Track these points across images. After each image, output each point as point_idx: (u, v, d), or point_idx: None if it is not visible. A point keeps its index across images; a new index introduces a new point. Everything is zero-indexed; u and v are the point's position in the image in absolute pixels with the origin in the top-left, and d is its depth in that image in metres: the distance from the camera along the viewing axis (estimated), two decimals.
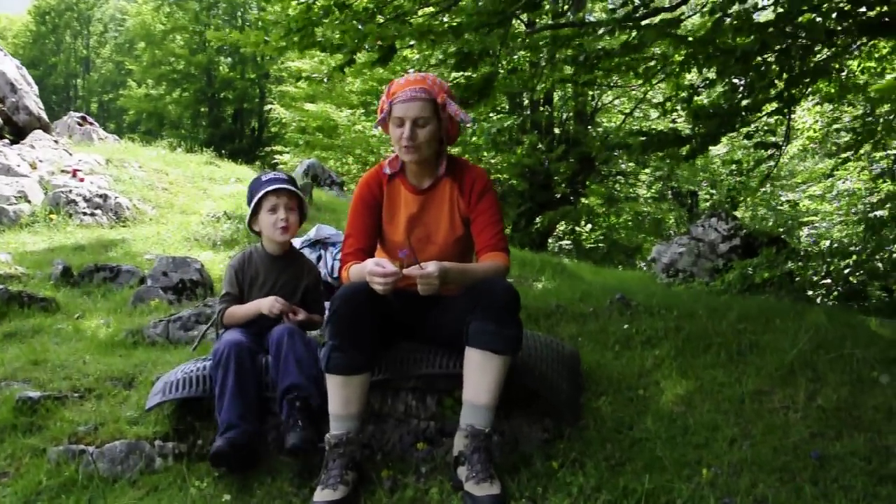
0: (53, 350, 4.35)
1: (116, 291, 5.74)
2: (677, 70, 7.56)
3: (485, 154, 16.23)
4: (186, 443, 3.36)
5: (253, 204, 3.60)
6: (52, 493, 3.08)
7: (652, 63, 7.89)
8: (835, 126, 11.54)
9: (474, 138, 14.86)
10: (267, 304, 3.51)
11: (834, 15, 5.03)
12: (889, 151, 11.58)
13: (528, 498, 2.91)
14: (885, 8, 4.50)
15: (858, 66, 9.08)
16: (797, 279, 9.05)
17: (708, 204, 23.29)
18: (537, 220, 15.82)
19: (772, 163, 10.69)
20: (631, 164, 18.25)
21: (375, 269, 2.98)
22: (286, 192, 3.58)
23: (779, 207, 16.99)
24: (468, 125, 3.25)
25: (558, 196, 17.22)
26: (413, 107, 3.17)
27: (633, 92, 17.45)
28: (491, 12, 5.31)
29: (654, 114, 18.86)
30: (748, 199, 12.35)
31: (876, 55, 9.03)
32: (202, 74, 37.85)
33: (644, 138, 7.32)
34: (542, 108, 17.24)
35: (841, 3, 4.62)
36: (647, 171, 19.54)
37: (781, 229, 12.76)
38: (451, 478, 3.09)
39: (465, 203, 3.35)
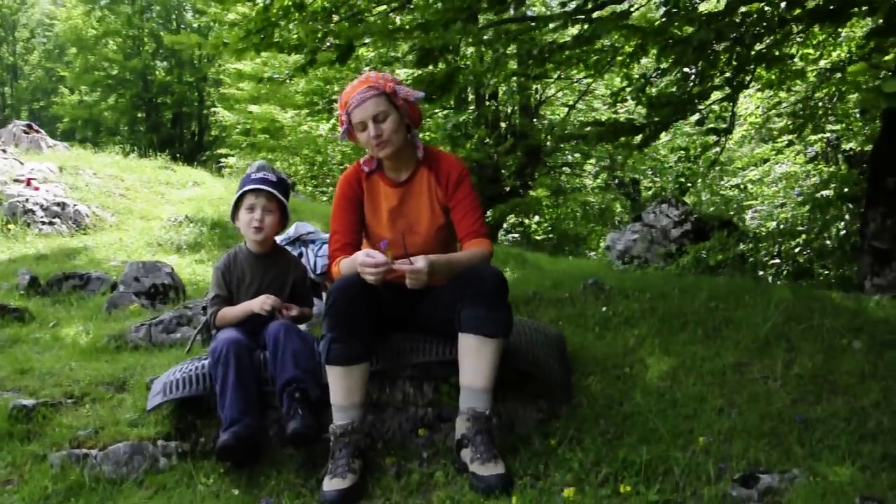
0: (37, 358, 4.33)
1: (88, 299, 5.71)
2: (628, 60, 7.78)
3: (441, 149, 16.34)
4: (189, 441, 3.40)
5: (234, 200, 3.66)
6: (60, 497, 3.10)
7: (602, 55, 8.09)
8: (773, 111, 11.90)
9: (429, 134, 14.93)
10: (258, 304, 3.56)
11: (783, 4, 5.25)
12: (824, 135, 12.01)
13: (532, 475, 3.02)
14: None
15: (797, 52, 9.41)
16: (749, 260, 9.36)
17: (650, 192, 23.78)
18: (488, 213, 15.96)
19: (717, 149, 11.01)
20: (577, 155, 18.52)
21: (366, 260, 3.07)
22: (265, 192, 3.62)
23: (721, 192, 17.43)
24: (421, 99, 3.33)
25: (507, 189, 17.40)
26: (368, 106, 3.25)
27: (576, 84, 17.72)
28: (458, 8, 5.41)
29: (597, 104, 19.19)
30: (699, 184, 12.71)
31: (813, 41, 9.39)
32: (138, 79, 37.09)
33: (601, 128, 7.49)
34: (487, 103, 17.38)
35: None
36: (592, 161, 19.85)
37: (732, 213, 13.12)
38: (453, 461, 3.20)
39: (442, 192, 3.44)
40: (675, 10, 6.36)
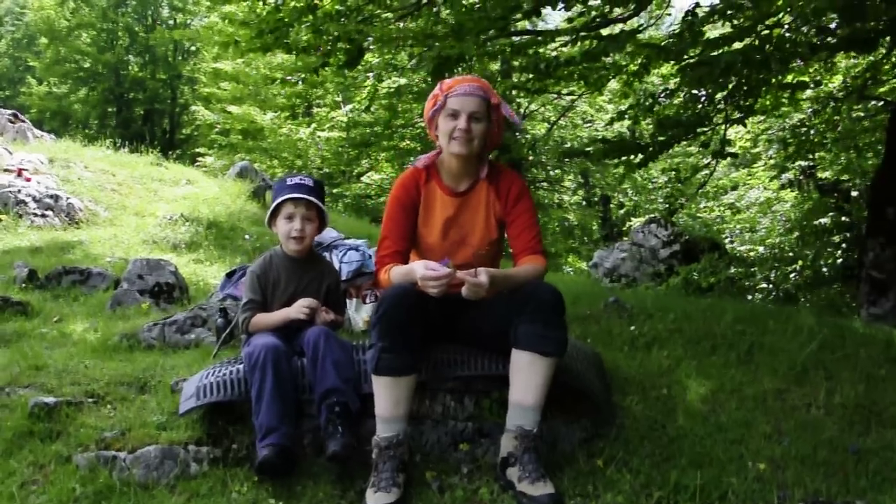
0: (48, 355, 4.17)
1: (89, 295, 5.54)
2: (631, 78, 7.81)
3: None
4: (221, 447, 3.28)
5: (272, 208, 3.55)
6: (90, 500, 2.97)
7: (605, 72, 8.12)
8: (762, 137, 12.04)
9: (410, 143, 14.88)
10: (296, 309, 3.46)
11: (807, 30, 5.28)
12: (801, 162, 12.17)
13: (581, 496, 2.97)
14: (859, 25, 4.77)
15: (793, 79, 9.52)
16: (737, 283, 9.43)
17: (623, 211, 23.97)
18: None
19: (707, 171, 11.10)
20: (557, 171, 18.60)
21: (429, 273, 3.00)
22: (304, 201, 3.52)
23: (698, 215, 17.60)
24: (520, 128, 3.30)
25: None
26: (470, 101, 3.24)
27: (557, 100, 17.81)
28: (494, 17, 5.38)
29: (577, 121, 19.33)
30: (691, 205, 12.85)
31: (809, 69, 9.51)
32: (110, 73, 36.51)
33: (606, 145, 7.50)
34: None
35: (821, 20, 4.87)
36: (570, 177, 19.97)
37: (724, 236, 13.24)
38: (496, 478, 3.12)
39: (501, 206, 3.39)
40: (690, 31, 6.37)
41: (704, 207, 15.28)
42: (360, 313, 4.25)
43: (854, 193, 12.09)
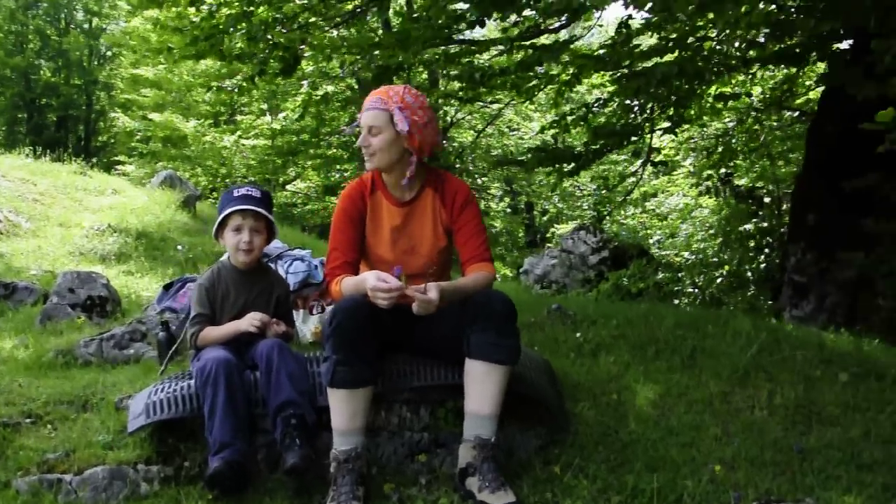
0: None
1: (15, 309, 5.33)
2: (563, 88, 7.94)
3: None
4: (172, 465, 3.20)
5: (219, 220, 3.49)
6: None
7: (537, 81, 8.24)
8: (683, 146, 12.37)
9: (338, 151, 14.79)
10: (247, 322, 3.40)
11: (739, 44, 5.46)
12: (719, 170, 12.57)
13: (540, 503, 2.98)
14: (795, 39, 4.96)
15: (715, 90, 9.83)
16: (664, 288, 9.65)
17: (545, 218, 24.29)
18: None
19: (633, 178, 11.35)
20: (484, 178, 18.74)
21: (379, 285, 2.99)
22: (252, 212, 3.47)
23: (621, 221, 17.96)
24: (403, 133, 3.22)
25: None
26: (367, 115, 3.25)
27: (485, 109, 17.97)
28: (438, 27, 5.40)
29: (503, 129, 19.54)
30: (618, 212, 13.12)
31: (732, 81, 9.84)
32: (20, 78, 35.19)
33: (542, 154, 7.60)
34: None
35: (750, 34, 5.04)
36: (497, 185, 20.14)
37: (651, 241, 13.55)
38: (455, 488, 3.12)
39: (447, 214, 3.39)
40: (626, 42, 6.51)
41: (629, 215, 15.63)
42: (307, 324, 4.19)
43: (766, 200, 12.60)
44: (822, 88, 9.62)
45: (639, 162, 9.57)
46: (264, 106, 18.72)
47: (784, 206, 9.47)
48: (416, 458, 3.31)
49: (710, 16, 5.71)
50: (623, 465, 3.18)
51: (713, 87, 9.91)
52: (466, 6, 5.57)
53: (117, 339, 4.43)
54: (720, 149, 10.00)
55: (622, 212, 14.45)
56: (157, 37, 6.85)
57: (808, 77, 10.06)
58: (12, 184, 8.10)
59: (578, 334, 4.49)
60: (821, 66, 8.86)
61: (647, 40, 7.50)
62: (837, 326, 5.86)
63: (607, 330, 4.61)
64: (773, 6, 4.48)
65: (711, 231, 10.93)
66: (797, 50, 5.06)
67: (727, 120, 10.77)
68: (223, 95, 15.90)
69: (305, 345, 4.09)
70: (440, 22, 5.50)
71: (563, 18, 7.53)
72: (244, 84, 6.83)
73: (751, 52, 5.42)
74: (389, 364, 3.31)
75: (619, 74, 6.14)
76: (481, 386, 3.09)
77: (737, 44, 5.43)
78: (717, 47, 5.74)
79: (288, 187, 19.78)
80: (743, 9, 4.02)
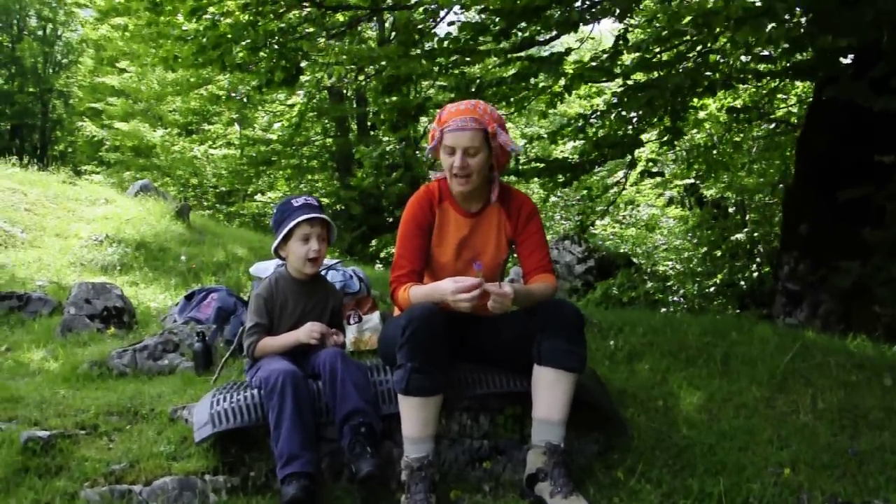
0: (14, 386, 3.92)
1: (32, 321, 5.24)
2: (555, 99, 8.06)
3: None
4: (238, 475, 3.19)
5: (285, 231, 3.46)
6: None
7: (528, 92, 8.34)
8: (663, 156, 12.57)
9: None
10: (306, 333, 3.40)
11: (745, 58, 5.60)
12: (686, 181, 12.82)
13: None
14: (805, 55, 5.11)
15: (698, 102, 10.05)
16: (650, 296, 9.81)
17: None
18: (372, 242, 15.88)
19: (615, 189, 11.50)
20: None
21: (459, 286, 3.02)
22: (320, 221, 3.47)
23: (595, 231, 18.14)
24: (518, 153, 3.32)
25: (390, 220, 17.38)
26: (464, 136, 3.20)
27: None
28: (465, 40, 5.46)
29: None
30: (597, 221, 13.30)
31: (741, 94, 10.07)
32: None
33: (540, 165, 7.68)
34: (372, 133, 17.36)
35: (767, 49, 5.19)
36: None
37: (639, 250, 13.73)
38: (523, 494, 3.16)
39: (512, 226, 3.44)
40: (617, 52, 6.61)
41: (606, 224, 15.82)
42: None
43: (731, 210, 12.89)
44: (804, 100, 9.92)
45: (620, 173, 9.70)
46: (235, 115, 18.56)
47: (777, 217, 9.66)
48: (480, 465, 3.34)
49: (717, 30, 5.87)
50: (684, 470, 3.25)
51: (717, 100, 10.15)
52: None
53: (150, 349, 4.39)
54: (711, 159, 10.17)
55: (601, 223, 14.65)
56: (154, 46, 6.75)
57: (787, 90, 10.34)
58: (3, 194, 7.94)
59: (611, 342, 4.56)
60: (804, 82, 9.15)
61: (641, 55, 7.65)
62: (834, 335, 6.01)
63: (636, 337, 4.69)
64: (793, 22, 4.62)
65: (696, 241, 11.13)
66: (811, 65, 5.20)
67: (706, 134, 10.98)
68: (192, 105, 15.74)
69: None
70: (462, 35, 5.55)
71: (553, 33, 7.65)
72: (252, 93, 6.82)
73: (762, 66, 5.56)
74: (454, 372, 3.34)
75: (627, 86, 6.24)
76: (551, 392, 3.13)
77: (743, 58, 5.57)
78: (722, 60, 5.88)
79: (256, 197, 19.61)
80: (771, 25, 4.14)
